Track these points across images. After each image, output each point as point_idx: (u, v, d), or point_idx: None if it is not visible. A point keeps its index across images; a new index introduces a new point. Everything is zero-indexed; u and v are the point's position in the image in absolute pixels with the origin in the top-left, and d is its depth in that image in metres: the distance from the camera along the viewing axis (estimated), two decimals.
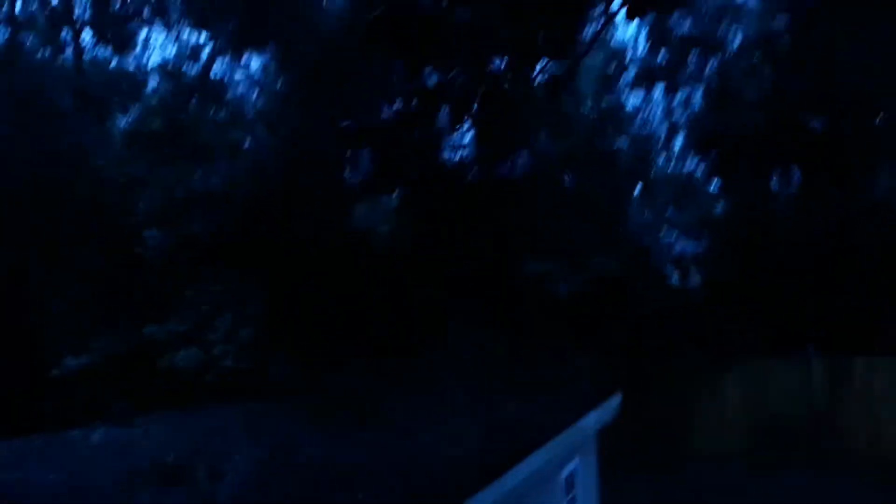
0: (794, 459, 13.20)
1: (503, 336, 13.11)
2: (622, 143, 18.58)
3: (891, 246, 13.79)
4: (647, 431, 13.75)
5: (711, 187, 17.25)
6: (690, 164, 19.75)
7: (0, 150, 16.09)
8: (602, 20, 18.70)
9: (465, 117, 18.23)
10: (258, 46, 17.96)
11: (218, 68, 19.56)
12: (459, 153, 17.54)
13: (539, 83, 18.31)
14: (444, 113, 17.62)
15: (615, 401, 10.09)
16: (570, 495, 8.55)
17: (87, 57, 19.98)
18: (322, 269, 13.97)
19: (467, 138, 18.27)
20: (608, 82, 21.16)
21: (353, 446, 7.55)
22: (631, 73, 25.50)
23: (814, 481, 12.73)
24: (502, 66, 18.19)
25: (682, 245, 15.53)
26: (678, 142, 24.94)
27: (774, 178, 16.81)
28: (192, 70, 18.53)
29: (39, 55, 19.26)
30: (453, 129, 17.56)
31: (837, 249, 13.82)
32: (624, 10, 17.15)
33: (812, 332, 13.86)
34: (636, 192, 17.55)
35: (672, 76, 24.99)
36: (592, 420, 9.14)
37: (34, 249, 15.46)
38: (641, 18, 20.34)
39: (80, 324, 14.00)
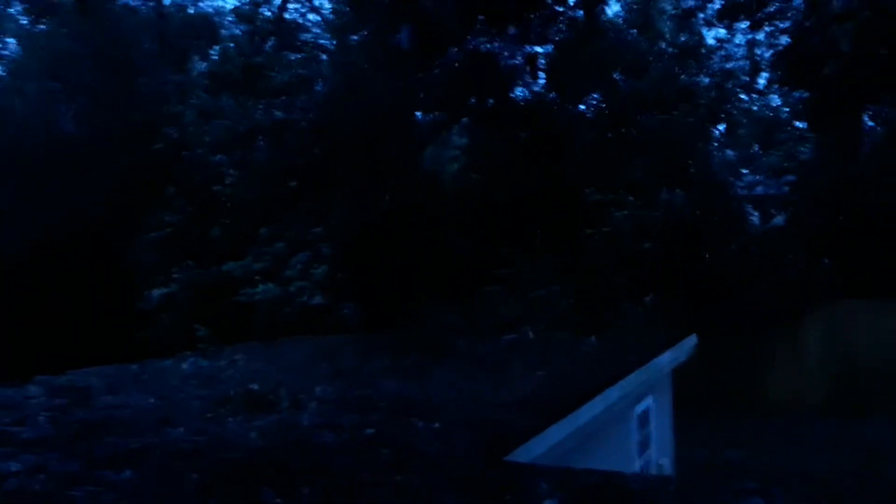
0: (874, 407, 12.78)
1: (577, 276, 13.02)
2: (702, 80, 17.83)
3: None
4: (724, 374, 13.52)
5: (798, 126, 16.46)
6: (776, 102, 18.85)
7: (87, 94, 16.68)
8: None
9: (539, 57, 17.90)
10: None
11: (292, 10, 19.67)
12: (532, 93, 17.19)
13: (610, 20, 17.73)
14: (518, 51, 17.33)
15: (690, 342, 9.98)
16: (645, 431, 8.56)
17: (167, 1, 20.35)
18: (393, 210, 14.07)
19: (541, 78, 17.96)
20: (688, 18, 20.23)
21: (428, 381, 7.69)
22: (714, 7, 24.23)
23: (893, 431, 12.31)
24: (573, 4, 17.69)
25: (765, 186, 14.92)
26: (763, 79, 23.79)
27: (865, 115, 15.90)
28: (266, 12, 18.67)
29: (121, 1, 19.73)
30: (526, 68, 17.25)
31: None
32: None
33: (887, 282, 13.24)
34: (717, 130, 16.93)
35: (757, 10, 23.65)
36: (667, 360, 9.07)
37: (121, 188, 16.12)
38: None
39: (164, 259, 14.60)
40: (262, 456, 4.55)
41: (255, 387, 6.95)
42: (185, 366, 9.14)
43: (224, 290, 13.01)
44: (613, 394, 7.10)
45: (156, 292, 14.15)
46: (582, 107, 17.81)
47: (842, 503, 3.31)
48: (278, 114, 14.63)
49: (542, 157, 14.85)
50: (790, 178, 15.24)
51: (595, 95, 17.00)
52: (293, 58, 16.48)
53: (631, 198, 13.50)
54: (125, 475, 3.96)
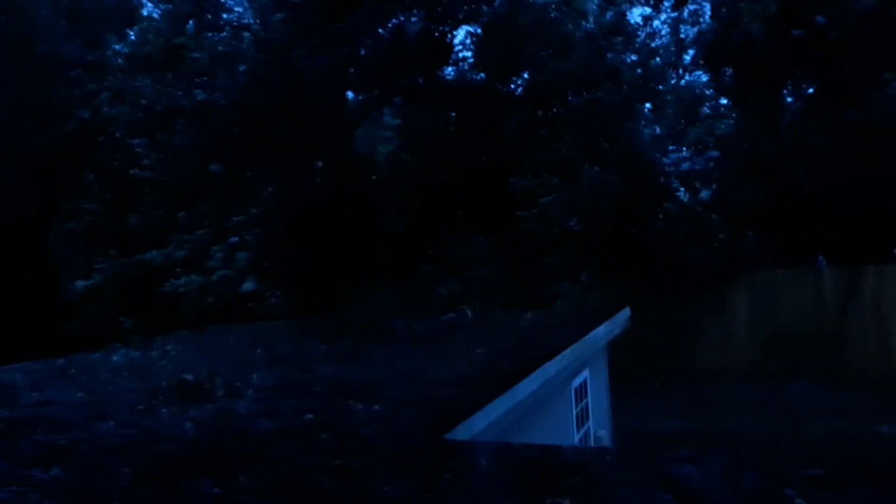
0: (801, 372, 13.40)
1: (509, 254, 13.12)
2: (628, 59, 18.11)
3: None
4: (658, 344, 13.93)
5: (722, 103, 16.95)
6: (699, 79, 19.34)
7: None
8: None
9: (466, 35, 17.87)
10: None
11: None
12: (461, 72, 17.16)
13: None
14: (444, 30, 17.23)
15: (624, 314, 10.22)
16: (582, 403, 8.74)
17: None
18: (324, 192, 13.85)
19: (468, 56, 17.92)
20: None
21: (366, 364, 7.65)
22: None
23: (820, 392, 12.95)
24: None
25: (691, 162, 15.36)
26: (687, 57, 24.37)
27: (785, 91, 16.47)
28: None
29: None
30: (452, 47, 17.19)
31: (848, 160, 13.64)
32: None
33: (822, 244, 13.84)
34: (644, 108, 17.25)
35: None
36: (602, 333, 9.26)
37: (36, 172, 15.35)
38: None
39: (86, 248, 14.03)
40: (198, 446, 4.44)
41: (189, 377, 6.78)
42: (115, 358, 8.86)
43: (148, 280, 12.62)
44: (551, 368, 7.20)
45: (79, 283, 13.61)
46: (511, 87, 17.89)
47: (770, 462, 3.44)
48: (199, 94, 14.15)
49: (474, 137, 14.86)
50: (714, 153, 15.72)
51: (523, 75, 17.10)
52: (215, 38, 15.91)
53: (556, 180, 13.65)
54: (53, 473, 3.81)
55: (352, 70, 15.24)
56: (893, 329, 13.28)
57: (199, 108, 14.55)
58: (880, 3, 13.86)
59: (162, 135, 14.27)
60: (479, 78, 17.47)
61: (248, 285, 12.44)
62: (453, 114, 15.73)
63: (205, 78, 14.47)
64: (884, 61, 14.21)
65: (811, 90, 15.97)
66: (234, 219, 13.13)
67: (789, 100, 16.21)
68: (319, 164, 13.99)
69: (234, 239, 12.91)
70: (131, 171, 13.71)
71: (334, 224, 13.59)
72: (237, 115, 14.42)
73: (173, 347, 9.92)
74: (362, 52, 16.00)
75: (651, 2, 25.56)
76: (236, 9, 19.02)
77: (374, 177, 14.43)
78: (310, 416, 4.98)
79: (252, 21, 17.25)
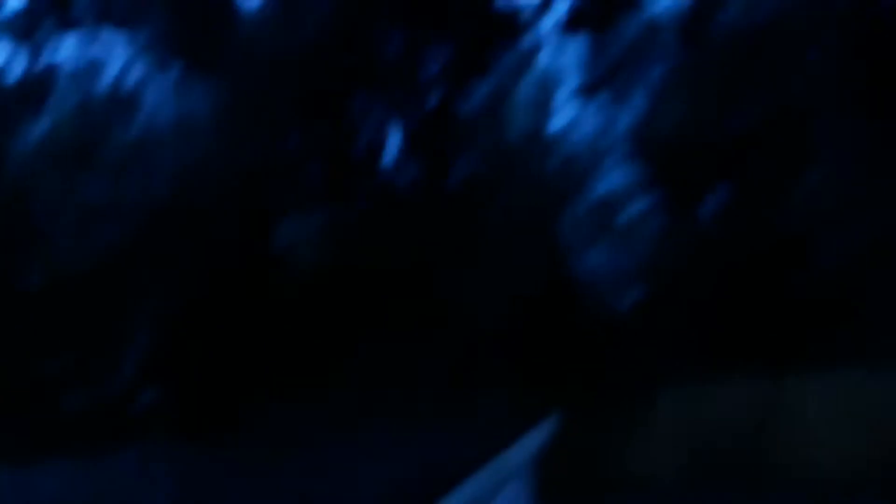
0: (728, 480, 13.12)
1: (430, 363, 12.79)
2: (554, 161, 18.54)
3: (819, 260, 14.01)
4: (583, 455, 13.50)
5: (643, 204, 17.29)
6: (622, 179, 19.87)
7: None
8: (534, 40, 18.77)
9: (397, 139, 18.07)
10: (178, 56, 17.25)
11: (134, 76, 18.68)
12: (386, 171, 17.21)
13: (470, 105, 18.26)
14: (372, 131, 17.40)
15: (548, 426, 9.86)
16: None
17: None
18: (233, 293, 13.29)
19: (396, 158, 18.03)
20: (541, 103, 21.23)
21: (264, 488, 7.02)
22: (563, 93, 25.65)
23: (745, 498, 12.65)
24: (434, 90, 18.12)
25: (616, 262, 15.45)
26: (610, 159, 25.13)
27: (706, 193, 16.98)
28: (105, 77, 17.59)
29: None
30: (381, 151, 17.30)
31: (771, 263, 13.97)
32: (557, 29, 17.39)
33: (750, 346, 13.90)
34: (568, 210, 17.47)
35: (602, 95, 25.33)
36: (524, 447, 8.88)
37: None
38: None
39: None
40: None
41: None
42: None
43: (35, 395, 11.63)
44: (471, 486, 6.77)
45: None
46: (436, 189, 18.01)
47: None
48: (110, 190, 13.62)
49: (394, 235, 14.75)
50: (636, 256, 15.90)
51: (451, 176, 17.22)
52: (129, 130, 15.56)
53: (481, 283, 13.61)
54: None
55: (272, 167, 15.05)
56: (816, 434, 13.30)
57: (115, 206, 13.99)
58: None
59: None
60: (406, 179, 17.54)
61: (144, 397, 11.59)
62: (373, 210, 15.69)
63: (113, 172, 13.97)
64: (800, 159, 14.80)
65: (731, 192, 16.54)
66: (123, 323, 12.36)
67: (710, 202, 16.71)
68: (231, 264, 13.49)
69: (121, 346, 12.06)
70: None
71: (246, 327, 13.01)
72: (154, 215, 13.93)
73: (58, 473, 9.13)
74: (289, 146, 15.92)
75: (576, 106, 26.69)
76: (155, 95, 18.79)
77: (294, 277, 13.99)
78: None
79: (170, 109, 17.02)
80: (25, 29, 19.32)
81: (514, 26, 17.51)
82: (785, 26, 14.82)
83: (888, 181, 13.98)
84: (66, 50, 18.89)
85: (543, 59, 20.51)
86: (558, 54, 18.39)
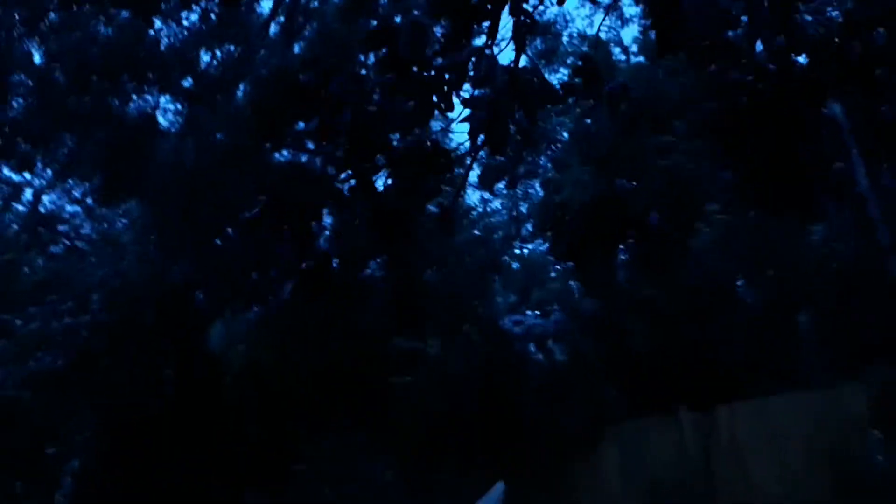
0: None
1: (374, 444, 12.64)
2: (473, 236, 19.22)
3: (727, 301, 14.98)
4: None
5: (558, 267, 18.10)
6: (538, 247, 20.79)
7: None
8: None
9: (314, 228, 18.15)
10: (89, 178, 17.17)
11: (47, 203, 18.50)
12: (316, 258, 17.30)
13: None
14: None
15: (498, 489, 9.86)
16: None
17: None
18: (172, 402, 12.89)
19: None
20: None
21: None
22: (474, 172, 26.83)
23: None
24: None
25: (543, 324, 15.96)
26: (525, 229, 26.22)
27: (613, 253, 17.93)
28: (19, 207, 17.38)
29: None
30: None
31: (681, 310, 14.74)
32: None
33: (677, 390, 14.41)
34: (494, 279, 18.05)
35: (511, 172, 26.64)
36: None
37: None
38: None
39: None
40: None
41: None
42: None
43: None
44: None
45: None
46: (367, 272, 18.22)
47: None
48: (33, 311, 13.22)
49: (335, 328, 14.73)
50: (557, 315, 16.45)
51: (376, 261, 17.53)
52: (52, 251, 15.28)
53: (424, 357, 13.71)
54: None
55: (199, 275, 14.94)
56: (753, 465, 13.69)
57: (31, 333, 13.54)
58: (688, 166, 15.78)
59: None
60: (335, 265, 17.63)
61: None
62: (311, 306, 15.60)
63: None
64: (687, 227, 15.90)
65: (635, 250, 17.51)
66: (48, 451, 11.73)
67: (622, 257, 17.63)
68: (168, 371, 13.19)
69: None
70: None
71: (183, 436, 12.57)
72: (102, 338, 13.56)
73: None
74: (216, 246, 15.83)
75: (486, 186, 27.94)
76: (75, 220, 18.55)
77: (229, 378, 13.71)
78: None
79: (91, 232, 16.81)
80: None
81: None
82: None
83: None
84: None
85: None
86: None
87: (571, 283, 16.71)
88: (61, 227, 16.63)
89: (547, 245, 20.26)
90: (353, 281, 15.68)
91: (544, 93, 6.13)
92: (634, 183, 16.06)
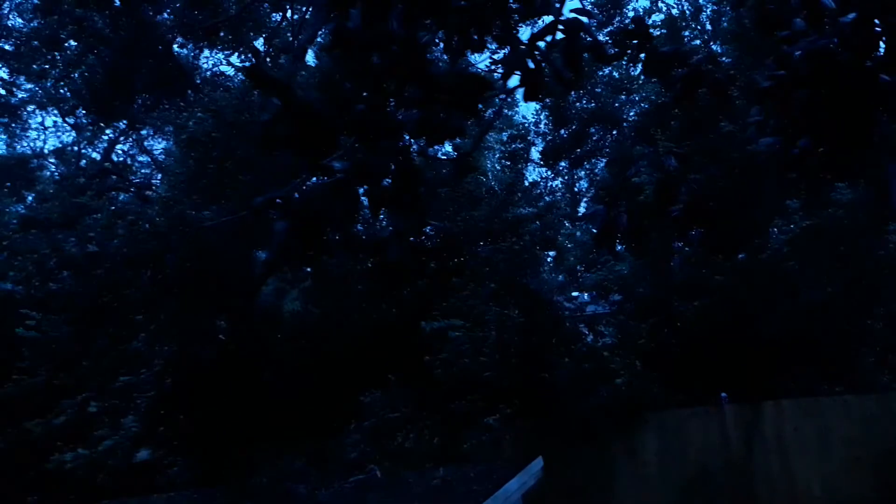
0: None
1: (420, 406, 12.88)
2: (528, 211, 19.13)
3: (786, 296, 14.63)
4: (571, 493, 13.62)
5: (618, 249, 17.85)
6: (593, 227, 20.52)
7: None
8: (502, 97, 19.52)
9: (374, 197, 18.30)
10: (159, 131, 17.69)
11: (120, 152, 19.18)
12: (372, 228, 17.58)
13: (444, 161, 18.81)
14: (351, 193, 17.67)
15: (537, 465, 10.03)
16: None
17: None
18: (225, 352, 13.36)
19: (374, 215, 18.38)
20: (514, 156, 22.05)
21: None
22: (536, 148, 26.68)
23: None
24: (408, 145, 18.54)
25: (595, 305, 15.91)
26: (581, 209, 25.99)
27: (675, 239, 17.61)
28: (93, 154, 18.06)
29: None
30: (360, 210, 17.61)
31: (739, 301, 14.48)
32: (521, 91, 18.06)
33: (723, 381, 14.25)
34: (547, 256, 18.02)
35: (573, 149, 26.31)
36: (515, 486, 9.04)
37: None
38: (538, 102, 21.69)
39: None
40: None
41: None
42: None
43: (30, 454, 11.52)
44: None
45: None
46: (420, 238, 18.39)
47: None
48: (91, 247, 13.73)
49: (384, 290, 14.96)
50: (616, 297, 16.37)
51: (428, 228, 17.67)
52: (117, 197, 15.83)
53: (468, 324, 13.81)
54: None
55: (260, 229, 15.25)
56: (795, 464, 13.54)
57: (90, 259, 14.04)
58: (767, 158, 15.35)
59: (44, 287, 13.63)
60: (388, 230, 17.85)
61: (142, 454, 11.52)
62: (362, 267, 15.89)
63: (98, 230, 14.12)
64: (767, 211, 15.50)
65: (699, 237, 17.13)
66: (123, 379, 12.36)
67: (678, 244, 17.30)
68: (222, 322, 13.63)
69: (120, 405, 12.05)
70: (16, 330, 12.86)
71: (238, 384, 13.04)
72: (132, 271, 14.00)
73: None
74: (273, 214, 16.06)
75: (550, 160, 27.63)
76: (143, 171, 19.20)
77: (279, 335, 14.13)
78: None
79: (156, 181, 17.32)
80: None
81: None
82: None
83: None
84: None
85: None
86: None
87: (624, 264, 16.51)
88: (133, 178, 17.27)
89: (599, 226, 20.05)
90: (404, 247, 15.81)
91: (591, 48, 5.82)
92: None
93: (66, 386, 12.43)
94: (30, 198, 17.93)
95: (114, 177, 16.44)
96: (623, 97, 25.32)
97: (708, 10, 22.38)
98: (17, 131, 20.13)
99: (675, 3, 23.84)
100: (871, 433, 13.13)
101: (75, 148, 19.64)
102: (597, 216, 6.62)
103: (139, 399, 12.22)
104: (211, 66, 19.68)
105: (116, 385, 12.24)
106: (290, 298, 15.27)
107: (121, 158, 18.79)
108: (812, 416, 13.71)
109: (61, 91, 18.95)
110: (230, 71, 19.60)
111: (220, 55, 18.51)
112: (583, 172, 28.28)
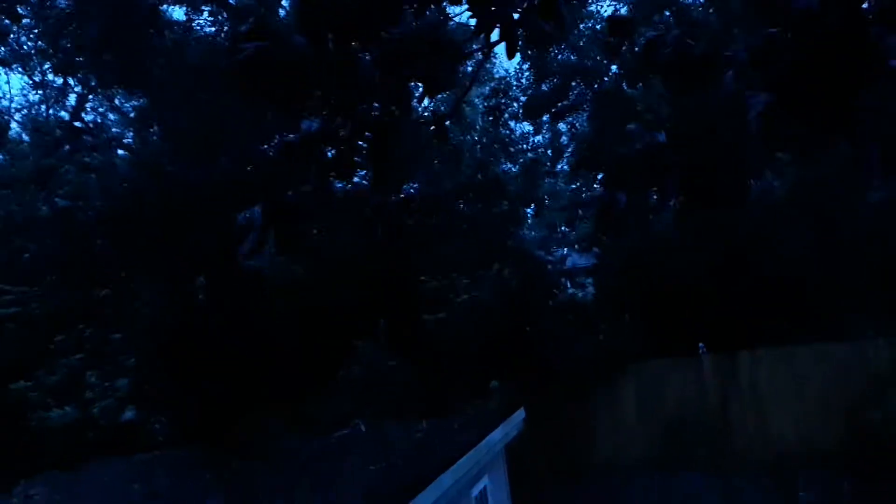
0: (692, 460, 13.66)
1: (406, 359, 12.95)
2: (511, 168, 19.06)
3: (764, 249, 14.78)
4: (554, 443, 13.92)
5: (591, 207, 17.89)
6: (576, 184, 20.51)
7: None
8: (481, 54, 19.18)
9: (354, 154, 18.06)
10: (129, 88, 17.15)
11: (89, 111, 18.67)
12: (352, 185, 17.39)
13: (425, 117, 18.56)
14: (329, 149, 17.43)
15: (519, 416, 10.20)
16: None
17: None
18: (207, 308, 13.26)
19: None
20: (495, 112, 21.82)
21: (252, 494, 7.25)
22: (516, 103, 26.36)
23: (711, 481, 13.19)
24: (387, 103, 18.23)
25: (574, 259, 15.98)
26: (565, 164, 25.89)
27: (654, 193, 17.65)
28: (62, 113, 17.57)
29: None
30: (341, 166, 17.31)
31: (717, 254, 14.59)
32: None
33: (701, 332, 14.47)
34: (528, 211, 18.03)
35: (555, 104, 26.02)
36: (498, 437, 9.18)
37: None
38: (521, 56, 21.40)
39: None
40: None
41: None
42: None
43: (15, 413, 11.45)
44: (447, 479, 7.04)
45: None
46: (402, 196, 18.26)
47: None
48: (61, 202, 13.42)
49: (368, 246, 14.87)
50: (596, 250, 16.46)
51: (414, 185, 17.54)
52: (89, 157, 15.42)
53: (464, 279, 13.84)
54: None
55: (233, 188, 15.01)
56: (770, 412, 13.87)
57: (62, 216, 13.72)
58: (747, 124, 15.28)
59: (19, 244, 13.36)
60: (371, 185, 17.68)
61: (129, 414, 11.51)
62: (345, 224, 15.77)
63: (67, 188, 13.79)
64: (749, 170, 15.50)
65: (678, 192, 17.18)
66: (114, 336, 12.27)
67: (658, 201, 17.33)
68: (202, 279, 13.49)
69: (108, 365, 11.98)
70: None
71: (221, 341, 12.99)
72: (105, 226, 13.72)
73: (39, 491, 9.10)
74: (248, 168, 15.88)
75: (530, 115, 27.31)
76: (114, 129, 18.73)
77: (264, 291, 14.03)
78: None
79: (130, 136, 16.91)
80: None
81: None
82: None
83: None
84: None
85: None
86: None
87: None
88: (104, 135, 16.82)
89: (582, 181, 20.01)
90: (388, 203, 15.71)
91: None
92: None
93: (53, 346, 12.32)
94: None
95: (87, 137, 16.02)
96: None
97: None
98: None
99: None
100: (844, 380, 13.38)
101: (42, 107, 19.16)
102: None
103: (127, 359, 12.16)
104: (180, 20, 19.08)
105: (106, 347, 12.15)
106: (270, 253, 15.06)
107: (91, 117, 18.38)
108: (787, 363, 13.99)
109: (25, 47, 18.39)
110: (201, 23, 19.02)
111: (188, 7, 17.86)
112: (564, 127, 28.05)
